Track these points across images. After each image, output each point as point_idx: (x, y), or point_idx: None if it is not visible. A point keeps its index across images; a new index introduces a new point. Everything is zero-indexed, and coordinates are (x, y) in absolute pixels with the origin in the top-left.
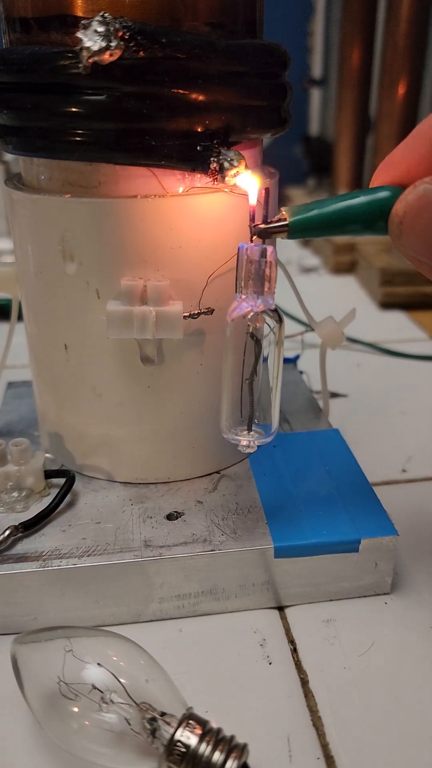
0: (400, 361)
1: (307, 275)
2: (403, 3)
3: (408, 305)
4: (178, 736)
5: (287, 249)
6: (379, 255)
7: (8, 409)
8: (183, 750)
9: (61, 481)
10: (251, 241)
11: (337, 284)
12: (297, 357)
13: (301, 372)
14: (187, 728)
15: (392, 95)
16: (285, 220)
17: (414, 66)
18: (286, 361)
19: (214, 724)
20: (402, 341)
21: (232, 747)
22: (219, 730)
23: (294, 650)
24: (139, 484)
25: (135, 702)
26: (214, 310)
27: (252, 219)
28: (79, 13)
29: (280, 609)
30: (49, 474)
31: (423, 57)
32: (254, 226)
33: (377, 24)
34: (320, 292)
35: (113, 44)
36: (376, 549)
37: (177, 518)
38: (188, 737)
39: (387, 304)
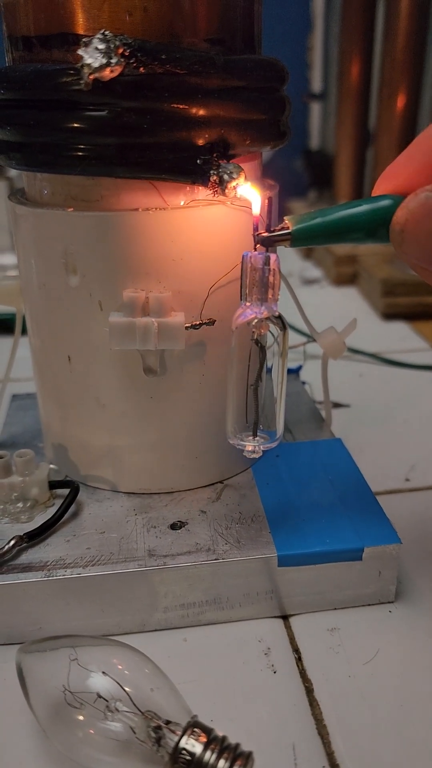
0: (403, 371)
1: (309, 287)
2: (400, 16)
3: (410, 315)
4: (182, 744)
5: (289, 261)
6: (380, 266)
7: (13, 421)
8: (188, 758)
9: (66, 491)
10: (255, 249)
11: (339, 296)
12: (299, 368)
13: (303, 382)
14: (191, 736)
15: (391, 108)
16: (288, 228)
17: (412, 78)
18: (289, 371)
19: (219, 733)
20: (404, 351)
21: (237, 755)
22: (224, 738)
23: (299, 659)
24: (143, 494)
25: (140, 710)
26: (215, 320)
27: (255, 228)
28: (81, 32)
29: (285, 618)
30: (53, 485)
31: (421, 69)
32: (257, 235)
33: (375, 38)
34: (322, 303)
35: (113, 61)
36: (380, 557)
37: (181, 528)
38: (193, 745)
39: (389, 315)
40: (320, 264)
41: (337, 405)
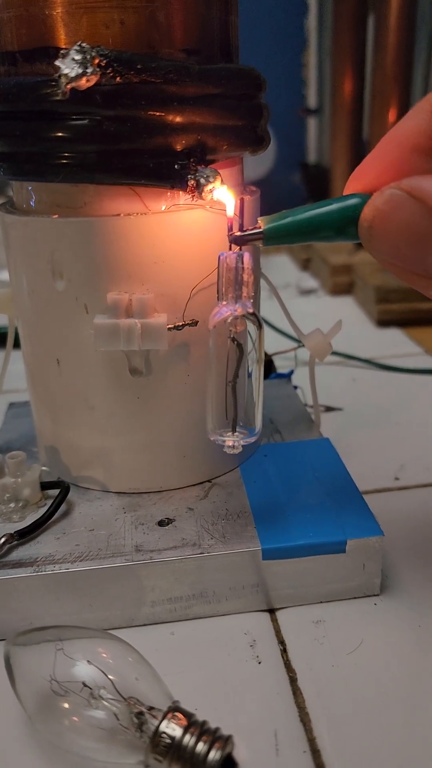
0: (395, 375)
1: (307, 297)
2: (389, 31)
3: (404, 322)
4: (162, 728)
5: (286, 272)
6: (374, 274)
7: (9, 427)
8: (168, 741)
9: (57, 492)
10: (230, 249)
11: (336, 305)
12: (291, 372)
13: (295, 387)
14: (172, 720)
15: (383, 120)
16: (260, 228)
17: (402, 91)
18: (280, 376)
19: (200, 718)
20: (397, 356)
21: (217, 738)
22: (204, 722)
23: (284, 650)
24: (133, 493)
25: (123, 697)
26: (198, 321)
27: (230, 228)
28: (62, 45)
29: (271, 612)
30: (45, 485)
31: (410, 82)
32: (231, 235)
33: (366, 53)
34: (319, 313)
35: (89, 71)
36: (363, 550)
37: (168, 524)
38: (173, 729)
39: (383, 322)
40: (317, 274)
41: (329, 408)
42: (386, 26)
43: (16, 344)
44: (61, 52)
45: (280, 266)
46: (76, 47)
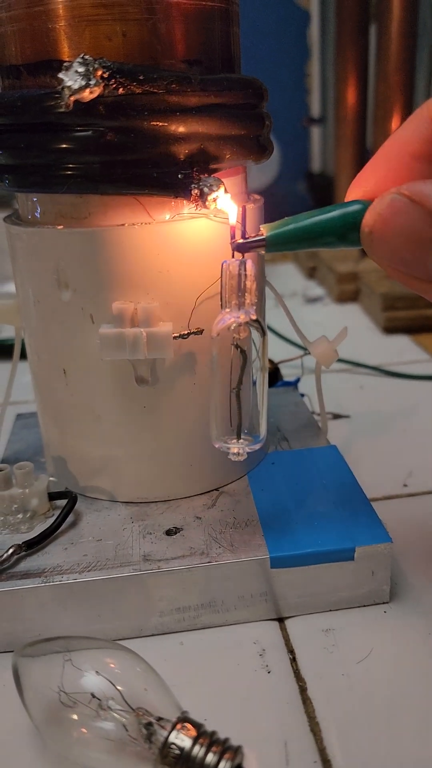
0: (403, 382)
1: (313, 305)
2: (391, 40)
3: (410, 329)
4: (172, 738)
5: (293, 281)
6: (380, 282)
7: (17, 438)
8: (177, 752)
9: (65, 502)
10: (233, 256)
11: (342, 312)
12: (297, 380)
13: (302, 395)
14: (181, 731)
15: (386, 128)
16: (263, 235)
17: (405, 99)
18: (287, 384)
19: (209, 728)
20: (405, 363)
21: (226, 748)
22: (213, 733)
23: (293, 659)
24: (140, 503)
25: (132, 708)
26: (203, 330)
27: (232, 236)
28: (65, 58)
29: (280, 620)
30: (52, 496)
31: (412, 90)
32: (233, 242)
33: (369, 62)
34: (326, 320)
35: (92, 82)
36: (372, 557)
37: (176, 533)
38: (182, 740)
39: (390, 329)
40: (323, 282)
41: (337, 416)
42: (388, 35)
43: (23, 355)
44: (65, 64)
45: (286, 274)
46: (79, 59)
